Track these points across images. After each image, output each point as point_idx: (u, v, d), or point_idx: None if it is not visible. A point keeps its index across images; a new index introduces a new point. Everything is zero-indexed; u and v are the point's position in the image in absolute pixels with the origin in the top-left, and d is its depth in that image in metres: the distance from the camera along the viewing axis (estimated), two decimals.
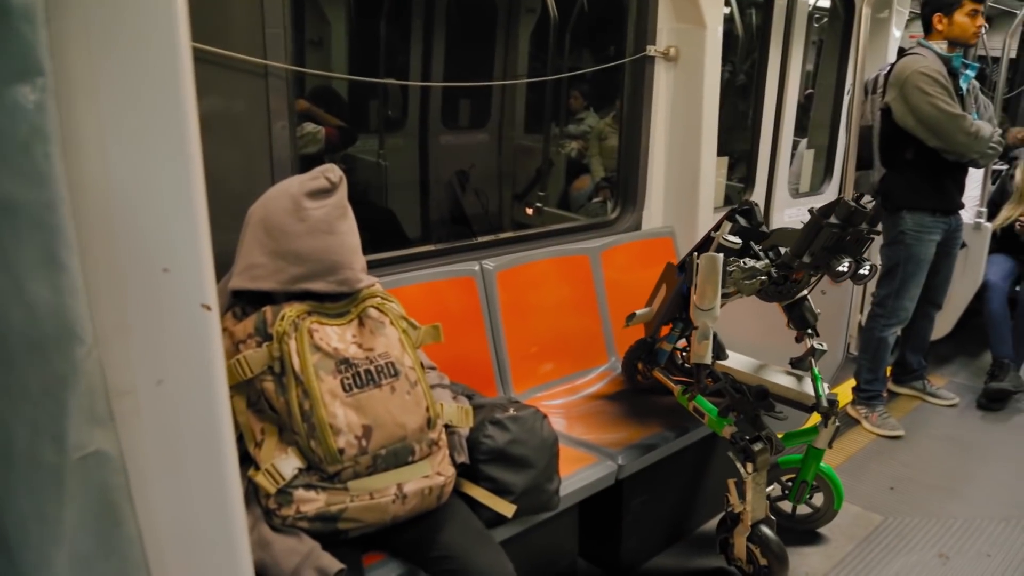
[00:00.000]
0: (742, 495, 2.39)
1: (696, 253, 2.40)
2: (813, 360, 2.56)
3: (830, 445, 2.66)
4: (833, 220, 2.31)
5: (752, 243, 2.43)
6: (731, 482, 2.44)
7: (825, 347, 2.57)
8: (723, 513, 2.59)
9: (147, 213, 1.18)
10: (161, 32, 1.13)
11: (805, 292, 2.54)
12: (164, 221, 1.19)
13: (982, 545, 2.90)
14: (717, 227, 2.50)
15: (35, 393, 1.07)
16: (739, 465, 2.35)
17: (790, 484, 2.82)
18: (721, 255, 2.23)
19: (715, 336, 2.65)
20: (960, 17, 3.50)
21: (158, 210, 1.18)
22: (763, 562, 2.45)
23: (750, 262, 2.36)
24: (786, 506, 2.89)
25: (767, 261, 2.39)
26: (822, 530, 2.94)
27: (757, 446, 2.32)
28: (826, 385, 2.62)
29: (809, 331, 2.58)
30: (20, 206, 1.01)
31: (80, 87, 1.10)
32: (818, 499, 2.87)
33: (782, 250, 2.44)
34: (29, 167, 1.00)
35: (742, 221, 2.46)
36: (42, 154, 1.00)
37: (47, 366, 1.07)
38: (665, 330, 2.75)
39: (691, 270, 2.32)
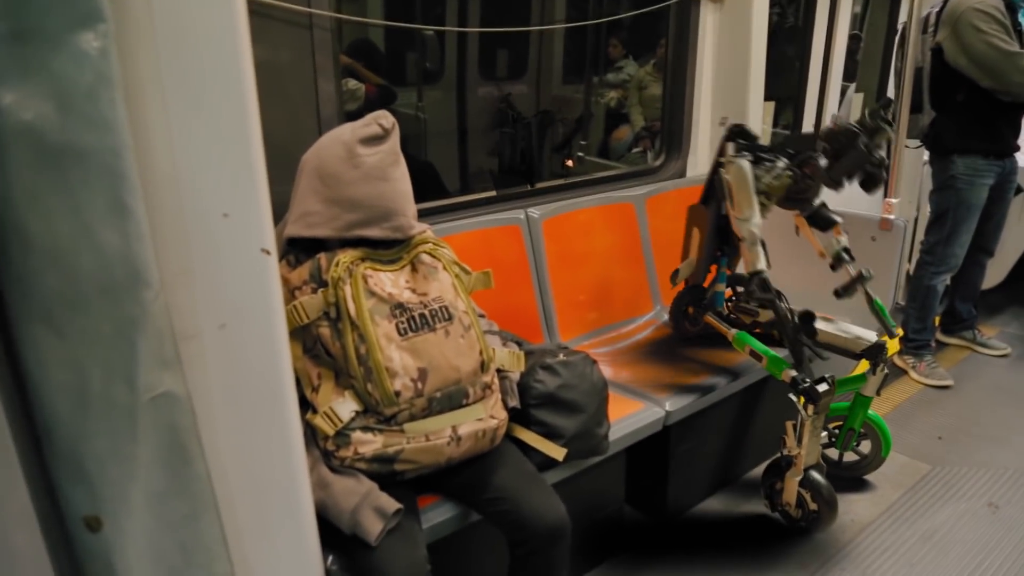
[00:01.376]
0: (799, 439, 2.38)
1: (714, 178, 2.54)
2: (863, 287, 2.55)
3: (878, 393, 2.64)
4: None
5: (761, 154, 2.49)
6: (789, 424, 2.42)
7: (872, 273, 2.57)
8: (771, 459, 2.58)
9: (206, 159, 1.19)
10: None
11: (820, 199, 2.61)
12: (223, 167, 1.20)
13: None
14: (721, 154, 2.53)
15: (107, 336, 1.10)
16: (800, 408, 2.33)
17: (837, 432, 2.81)
18: (745, 161, 2.32)
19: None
20: None
21: (217, 156, 1.20)
22: (813, 507, 2.45)
23: (771, 163, 2.44)
24: (833, 454, 2.88)
25: (786, 160, 2.47)
26: (869, 478, 2.93)
27: (822, 387, 2.30)
28: (875, 333, 2.59)
29: (843, 255, 2.61)
30: (89, 153, 1.02)
31: (137, 34, 1.11)
32: (865, 447, 2.86)
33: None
34: (96, 114, 1.01)
35: (741, 141, 2.52)
36: (108, 100, 1.01)
37: (118, 309, 1.10)
38: (711, 276, 2.73)
39: (720, 191, 2.46)
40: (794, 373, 2.34)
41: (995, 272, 4.33)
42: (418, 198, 1.82)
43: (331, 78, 2.24)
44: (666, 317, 2.97)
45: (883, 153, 2.54)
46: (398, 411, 1.66)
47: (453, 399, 1.72)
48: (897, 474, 3.00)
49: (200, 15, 1.16)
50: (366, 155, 1.68)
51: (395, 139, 1.72)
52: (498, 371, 1.90)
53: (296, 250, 1.76)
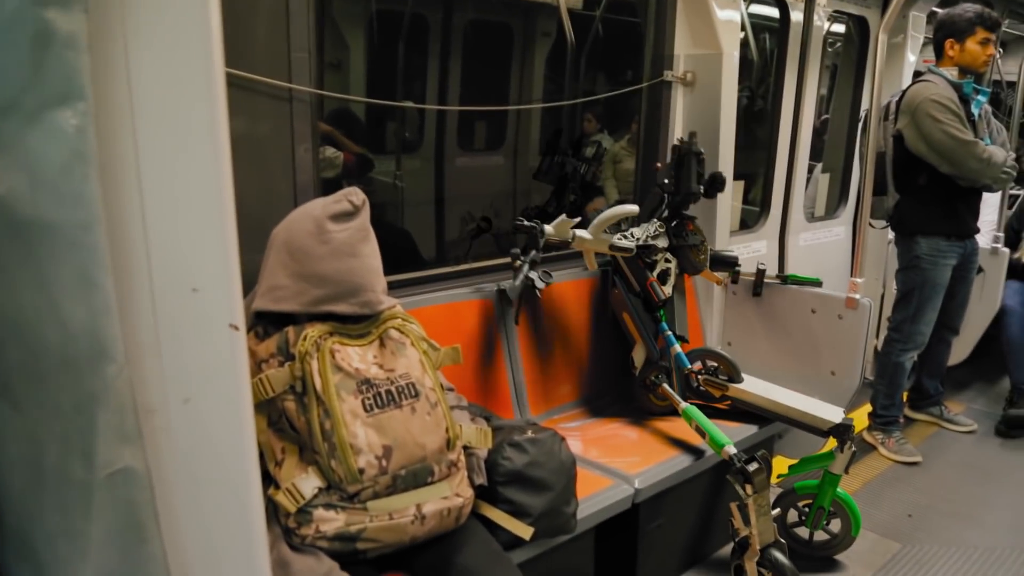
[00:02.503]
0: (746, 519, 2.37)
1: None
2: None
3: (847, 470, 2.66)
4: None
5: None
6: (733, 506, 2.43)
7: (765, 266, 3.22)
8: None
9: (178, 234, 1.20)
10: (197, 59, 1.16)
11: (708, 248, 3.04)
12: (195, 242, 1.21)
13: (1003, 575, 2.87)
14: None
15: (67, 410, 1.09)
16: (738, 487, 2.34)
17: (807, 510, 2.80)
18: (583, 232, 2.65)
19: (728, 359, 2.73)
20: (972, 45, 3.52)
21: (189, 231, 1.20)
22: None
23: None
24: (803, 532, 2.87)
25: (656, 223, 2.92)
26: (840, 557, 2.91)
27: (752, 466, 2.32)
28: (842, 411, 2.63)
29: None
30: (58, 227, 1.03)
31: (117, 111, 1.13)
32: (835, 525, 2.85)
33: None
34: (68, 189, 1.02)
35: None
36: (81, 176, 1.03)
37: (79, 384, 1.09)
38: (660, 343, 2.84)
39: (616, 270, 2.86)
40: (733, 451, 2.36)
41: (960, 349, 4.42)
42: (394, 266, 1.83)
43: (308, 146, 2.27)
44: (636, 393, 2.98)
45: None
46: (362, 488, 1.63)
47: (418, 477, 1.70)
48: (868, 553, 2.98)
49: (180, 91, 1.18)
50: (336, 231, 1.70)
51: (365, 215, 1.75)
52: (465, 448, 1.88)
53: (264, 322, 1.75)
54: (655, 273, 2.83)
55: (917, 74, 4.01)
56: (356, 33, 4.84)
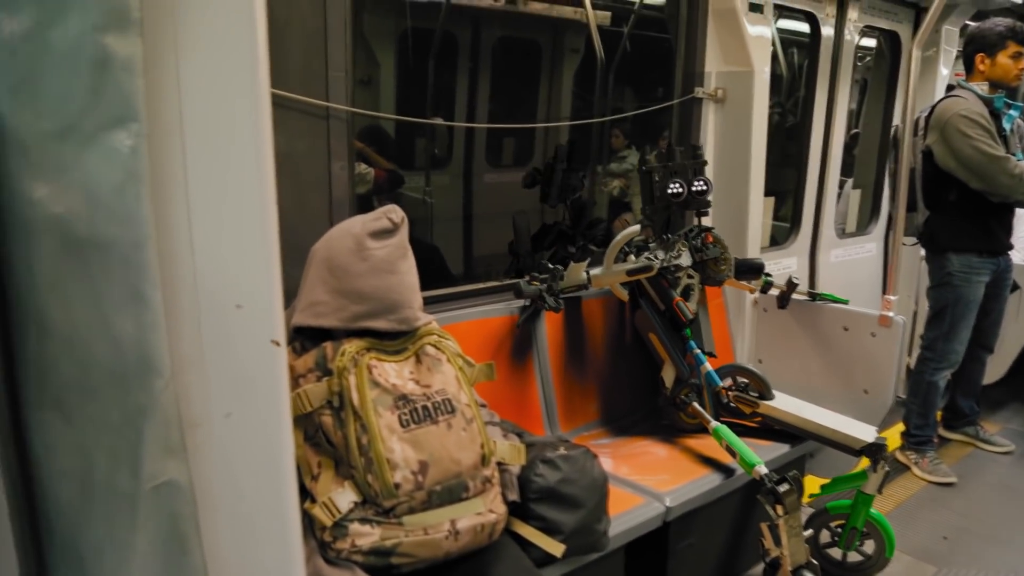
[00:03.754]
0: (777, 539, 2.35)
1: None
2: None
3: (880, 491, 2.62)
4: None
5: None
6: (764, 526, 2.40)
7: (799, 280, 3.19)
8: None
9: (224, 252, 1.22)
10: (244, 80, 1.19)
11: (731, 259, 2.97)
12: (239, 260, 1.24)
13: None
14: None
15: (115, 423, 1.11)
16: (768, 508, 2.32)
17: (839, 530, 2.76)
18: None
19: (759, 375, 2.70)
20: (1003, 59, 3.48)
21: (234, 249, 1.23)
22: None
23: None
24: (836, 553, 2.83)
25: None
26: None
27: (783, 487, 2.29)
28: (875, 429, 2.60)
29: (767, 277, 3.14)
30: (111, 244, 1.06)
31: (168, 133, 1.16)
32: (869, 546, 2.81)
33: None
34: (122, 208, 1.05)
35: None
36: (134, 196, 1.06)
37: (127, 397, 1.11)
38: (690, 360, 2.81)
39: (641, 291, 2.84)
40: (764, 471, 2.33)
41: (996, 368, 4.34)
42: (424, 282, 1.85)
43: (344, 163, 2.31)
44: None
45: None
46: (397, 503, 1.64)
47: (453, 492, 1.71)
48: None
49: (227, 112, 1.21)
50: (375, 248, 1.72)
51: (404, 233, 1.77)
52: (498, 464, 1.89)
53: (302, 337, 1.78)
54: (679, 290, 2.80)
55: (950, 88, 3.97)
56: (386, 51, 4.91)
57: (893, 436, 3.90)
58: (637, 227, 2.63)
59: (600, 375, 2.95)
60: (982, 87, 3.53)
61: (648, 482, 2.45)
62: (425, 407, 1.69)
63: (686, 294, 2.83)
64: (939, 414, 4.07)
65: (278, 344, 1.29)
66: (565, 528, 1.94)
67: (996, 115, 3.50)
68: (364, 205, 3.83)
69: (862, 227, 4.79)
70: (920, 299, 4.43)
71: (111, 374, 1.10)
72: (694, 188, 2.84)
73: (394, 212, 1.75)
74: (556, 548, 1.92)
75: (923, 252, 3.91)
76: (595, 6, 4.90)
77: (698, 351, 2.76)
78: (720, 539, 2.75)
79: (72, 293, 1.06)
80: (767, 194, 3.73)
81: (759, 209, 3.43)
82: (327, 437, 1.69)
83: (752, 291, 3.30)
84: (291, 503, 1.40)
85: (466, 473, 1.72)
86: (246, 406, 1.31)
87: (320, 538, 1.66)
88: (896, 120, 4.38)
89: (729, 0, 3.19)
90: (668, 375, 2.81)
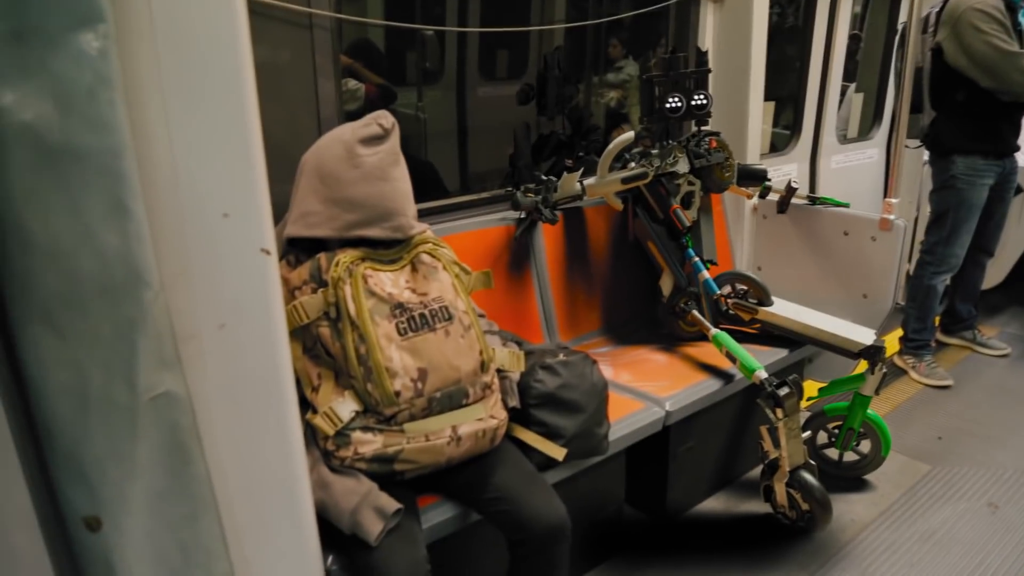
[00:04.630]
0: (776, 442, 2.39)
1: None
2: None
3: (877, 392, 2.65)
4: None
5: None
6: (763, 429, 2.43)
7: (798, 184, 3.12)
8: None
9: (206, 160, 1.19)
10: None
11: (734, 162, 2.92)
12: (223, 167, 1.21)
13: None
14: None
15: (108, 337, 1.10)
16: (768, 411, 2.35)
17: (837, 432, 2.81)
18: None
19: (758, 281, 2.70)
20: None
21: (217, 157, 1.20)
22: (805, 507, 2.45)
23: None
24: (833, 454, 2.88)
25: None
26: (868, 478, 2.94)
27: (783, 390, 2.31)
28: (873, 332, 2.60)
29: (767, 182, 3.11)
30: (88, 153, 1.02)
31: (138, 34, 1.11)
32: (865, 446, 2.86)
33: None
34: (95, 114, 1.01)
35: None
36: (107, 101, 1.01)
37: (118, 310, 1.10)
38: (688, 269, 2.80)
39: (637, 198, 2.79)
40: (763, 376, 2.35)
41: (995, 272, 4.34)
42: (418, 197, 1.82)
43: (331, 78, 2.24)
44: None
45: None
46: (398, 411, 1.66)
47: (453, 399, 1.72)
48: (897, 474, 3.00)
49: (200, 15, 1.16)
50: (366, 155, 1.68)
51: (395, 139, 1.73)
52: (498, 371, 1.90)
53: (296, 250, 1.76)
54: (678, 198, 2.76)
55: None
56: None
57: (891, 342, 3.93)
58: (631, 134, 2.56)
59: (599, 284, 2.94)
60: None
61: (648, 388, 2.48)
62: (422, 315, 1.69)
63: (687, 202, 2.79)
64: (937, 319, 4.09)
65: (268, 253, 1.28)
66: (566, 432, 1.97)
67: (1012, 8, 3.37)
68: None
69: (864, 132, 4.69)
70: (922, 204, 4.39)
71: (99, 287, 1.09)
72: (693, 103, 2.77)
73: (384, 118, 1.71)
74: (558, 452, 1.95)
75: (926, 156, 3.84)
76: None
77: (696, 259, 2.75)
78: (719, 443, 2.80)
79: (51, 205, 1.03)
80: (767, 99, 3.65)
81: (759, 115, 3.35)
82: (325, 348, 1.69)
83: (750, 197, 3.25)
84: (291, 412, 1.41)
85: (465, 379, 1.73)
86: (239, 317, 1.30)
87: (323, 447, 1.68)
88: (902, 17, 4.24)
89: None
90: (666, 284, 2.81)
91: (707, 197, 2.91)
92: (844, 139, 4.48)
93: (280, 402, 1.38)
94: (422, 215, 1.99)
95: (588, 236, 2.92)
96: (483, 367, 1.77)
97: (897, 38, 4.39)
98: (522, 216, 2.64)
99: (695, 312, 2.69)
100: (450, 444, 1.72)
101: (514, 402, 1.92)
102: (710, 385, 2.54)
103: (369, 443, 1.66)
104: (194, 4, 1.15)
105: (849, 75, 4.72)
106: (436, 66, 5.03)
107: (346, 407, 1.65)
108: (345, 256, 1.67)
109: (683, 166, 2.77)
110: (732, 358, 2.46)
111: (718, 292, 2.74)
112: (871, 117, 4.66)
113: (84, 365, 1.11)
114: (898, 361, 3.91)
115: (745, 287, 2.83)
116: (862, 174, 4.47)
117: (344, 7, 4.50)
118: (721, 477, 2.87)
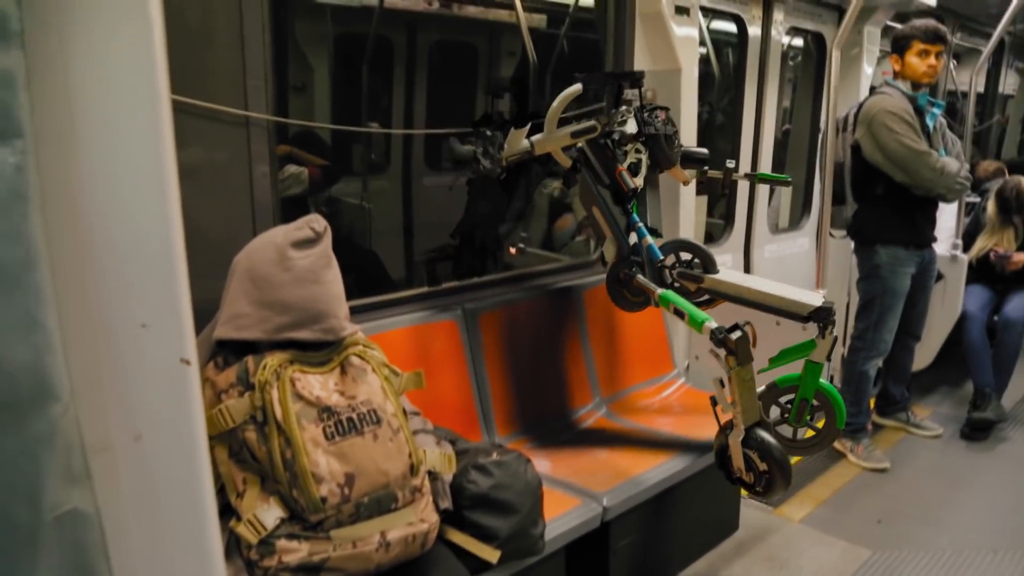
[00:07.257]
0: (729, 396, 2.23)
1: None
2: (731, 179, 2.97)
3: (828, 357, 2.45)
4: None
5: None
6: (714, 381, 2.28)
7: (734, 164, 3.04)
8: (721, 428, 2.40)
9: (125, 269, 1.18)
10: (142, 87, 1.15)
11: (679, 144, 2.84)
12: (142, 277, 1.20)
13: None
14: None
15: (11, 454, 1.07)
16: (720, 362, 2.21)
17: (789, 406, 2.55)
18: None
19: (703, 249, 2.72)
20: (910, 57, 3.62)
21: (136, 266, 1.19)
22: (763, 467, 2.27)
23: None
24: (788, 432, 2.73)
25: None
26: (810, 567, 2.93)
27: (735, 334, 2.16)
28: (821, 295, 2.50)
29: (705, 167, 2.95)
30: None
31: (60, 146, 1.12)
32: (819, 422, 2.71)
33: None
34: (7, 227, 1.01)
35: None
36: (20, 214, 1.01)
37: (23, 427, 1.07)
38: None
39: (584, 160, 2.68)
40: (713, 326, 2.19)
41: (924, 354, 4.49)
42: (363, 288, 1.81)
43: (266, 170, 2.24)
44: (606, 408, 2.99)
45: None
46: (324, 517, 1.61)
47: (382, 504, 1.68)
48: (838, 561, 3.01)
49: (124, 123, 1.17)
50: (298, 258, 1.69)
51: (327, 242, 1.74)
52: (429, 473, 1.87)
53: (225, 351, 1.73)
54: (625, 164, 2.65)
55: (873, 88, 4.09)
56: (320, 56, 4.83)
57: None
58: (578, 86, 2.54)
59: (538, 377, 2.94)
60: (906, 85, 3.65)
61: (587, 482, 2.46)
62: (350, 418, 1.66)
63: (634, 170, 2.69)
64: (872, 401, 4.19)
65: (188, 363, 1.25)
66: (500, 534, 1.93)
67: (920, 112, 3.63)
68: (302, 206, 3.76)
69: (794, 222, 4.90)
70: (852, 292, 4.55)
71: (4, 404, 1.06)
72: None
73: (316, 221, 1.72)
74: (491, 555, 1.91)
75: (853, 245, 4.02)
76: (531, 9, 4.90)
77: (641, 225, 2.63)
78: (661, 536, 2.77)
79: None
80: (700, 192, 3.79)
81: (691, 208, 3.47)
82: (251, 453, 1.65)
83: (686, 182, 3.15)
84: (211, 525, 1.36)
85: (394, 484, 1.70)
86: (157, 428, 1.26)
87: (247, 557, 1.62)
88: (823, 118, 4.49)
89: (655, 3, 3.23)
90: (609, 251, 2.69)
91: (653, 175, 2.86)
92: (775, 229, 4.66)
93: (199, 514, 1.33)
94: (357, 312, 1.98)
95: (528, 330, 2.94)
96: (413, 470, 1.74)
97: (820, 135, 4.64)
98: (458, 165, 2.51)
99: (640, 276, 2.56)
100: (379, 550, 1.67)
101: (446, 504, 1.89)
102: (650, 476, 2.53)
103: (294, 551, 1.60)
104: (119, 113, 1.16)
105: (779, 167, 4.95)
106: (381, 159, 5.12)
107: (271, 514, 1.60)
108: (273, 359, 1.65)
109: (631, 127, 2.67)
110: (680, 314, 2.32)
111: (662, 259, 2.60)
112: (800, 208, 4.87)
113: None
114: (836, 444, 3.97)
115: (690, 256, 2.71)
116: (795, 263, 4.64)
117: (292, 98, 4.60)
118: (664, 570, 2.82)
